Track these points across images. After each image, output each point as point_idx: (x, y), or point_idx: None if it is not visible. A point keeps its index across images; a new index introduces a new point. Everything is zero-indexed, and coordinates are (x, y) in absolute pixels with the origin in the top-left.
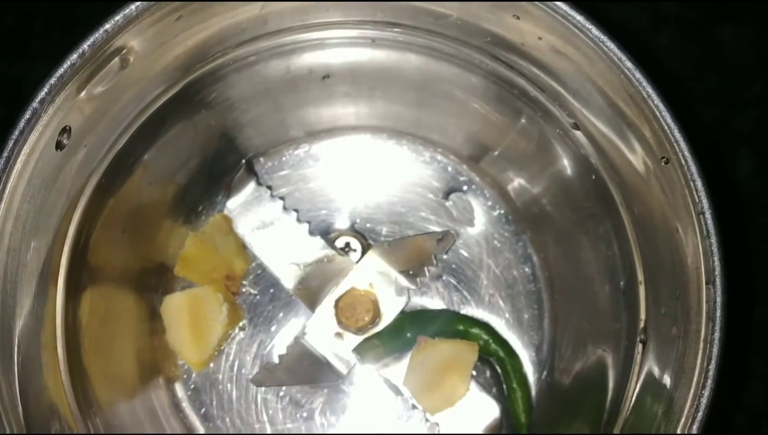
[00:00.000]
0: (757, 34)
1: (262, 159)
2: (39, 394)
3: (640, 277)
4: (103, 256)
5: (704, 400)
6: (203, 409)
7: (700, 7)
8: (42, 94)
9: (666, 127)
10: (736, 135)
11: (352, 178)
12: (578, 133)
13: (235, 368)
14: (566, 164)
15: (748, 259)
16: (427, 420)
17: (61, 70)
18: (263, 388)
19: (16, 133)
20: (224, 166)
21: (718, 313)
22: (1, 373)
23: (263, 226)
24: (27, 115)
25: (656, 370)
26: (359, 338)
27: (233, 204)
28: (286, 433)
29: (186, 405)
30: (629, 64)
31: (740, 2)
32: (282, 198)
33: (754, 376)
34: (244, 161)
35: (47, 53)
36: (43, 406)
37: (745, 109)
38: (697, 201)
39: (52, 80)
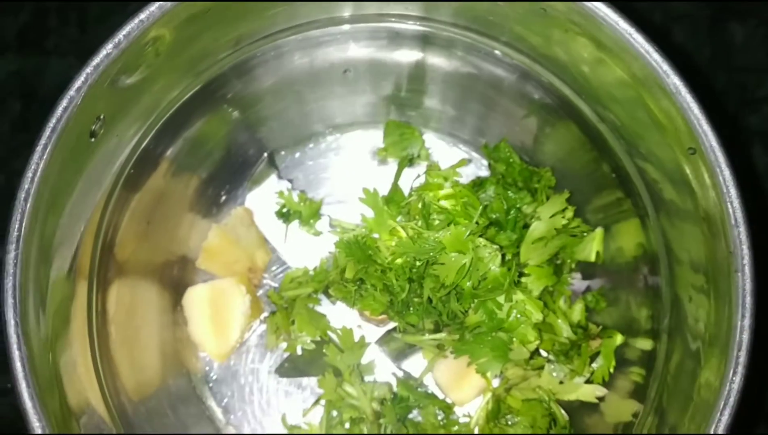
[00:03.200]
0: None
1: (283, 152)
2: (72, 383)
3: (666, 266)
4: (129, 248)
5: (735, 386)
6: (224, 401)
7: (712, 6)
8: (78, 82)
9: (693, 119)
10: (749, 133)
11: (372, 170)
12: (602, 127)
13: (256, 360)
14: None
15: None
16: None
17: (96, 60)
18: (284, 381)
19: (53, 120)
20: (246, 159)
21: (748, 299)
22: (36, 363)
23: (283, 218)
24: (64, 103)
25: (685, 360)
26: (380, 330)
27: (254, 197)
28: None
29: (208, 396)
30: (657, 56)
31: (751, 1)
32: (303, 191)
33: None
34: (266, 154)
35: (61, 50)
36: (76, 394)
37: (758, 108)
38: (725, 190)
39: (89, 69)
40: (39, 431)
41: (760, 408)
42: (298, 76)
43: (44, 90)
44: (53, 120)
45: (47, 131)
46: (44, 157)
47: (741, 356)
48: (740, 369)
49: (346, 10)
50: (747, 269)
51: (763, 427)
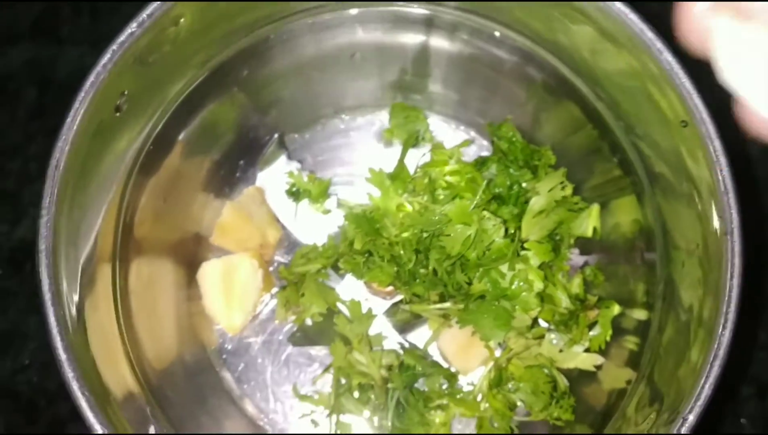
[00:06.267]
0: None
1: (293, 134)
2: (101, 347)
3: (660, 240)
4: (147, 225)
5: (724, 340)
6: (238, 371)
7: None
8: (104, 59)
9: (685, 93)
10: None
11: (378, 152)
12: (600, 105)
13: (268, 332)
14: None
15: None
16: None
17: (122, 38)
18: (295, 352)
19: (81, 94)
20: (257, 141)
21: (737, 260)
22: (67, 323)
23: (293, 197)
24: (91, 78)
25: (677, 331)
26: (387, 303)
27: (265, 177)
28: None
29: (222, 367)
30: (650, 35)
31: None
32: (312, 171)
33: (763, 347)
34: (276, 136)
35: (75, 38)
36: (105, 358)
37: None
38: (715, 159)
39: (114, 46)
40: (76, 387)
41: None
42: (307, 60)
43: (59, 78)
44: (81, 94)
45: (75, 104)
46: (74, 127)
47: (730, 313)
48: (729, 324)
49: None
50: (736, 232)
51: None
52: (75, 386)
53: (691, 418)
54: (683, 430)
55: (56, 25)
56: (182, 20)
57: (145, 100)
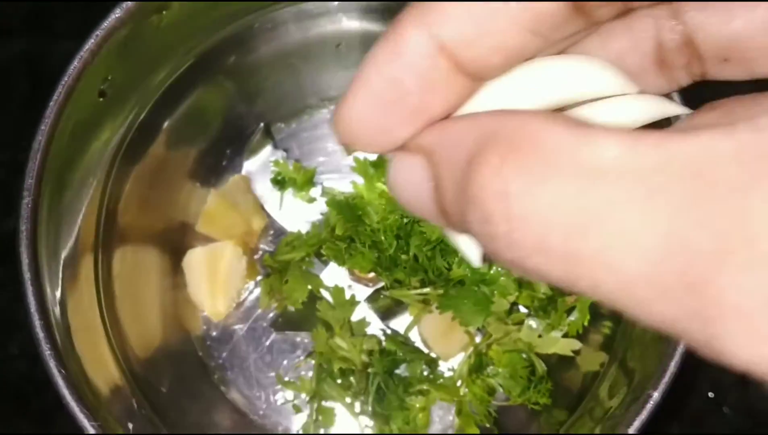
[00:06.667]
0: None
1: (279, 123)
2: (83, 332)
3: None
4: (131, 213)
5: None
6: (222, 358)
7: None
8: (89, 44)
9: None
10: None
11: None
12: None
13: (251, 319)
14: None
15: None
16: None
17: (106, 23)
18: (278, 339)
19: (66, 78)
20: (243, 130)
21: None
22: (47, 300)
23: (278, 186)
24: (75, 63)
25: None
26: (369, 290)
27: (251, 165)
28: None
29: (206, 354)
30: None
31: None
32: (297, 160)
33: None
34: (262, 125)
35: (68, 32)
36: (88, 344)
37: None
38: None
39: (99, 32)
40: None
41: None
42: (293, 50)
43: (51, 71)
44: (66, 78)
45: (60, 88)
46: (56, 109)
47: None
48: None
49: None
50: None
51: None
52: (52, 364)
53: (656, 395)
54: (648, 406)
55: (49, 19)
56: (166, 8)
57: (129, 87)
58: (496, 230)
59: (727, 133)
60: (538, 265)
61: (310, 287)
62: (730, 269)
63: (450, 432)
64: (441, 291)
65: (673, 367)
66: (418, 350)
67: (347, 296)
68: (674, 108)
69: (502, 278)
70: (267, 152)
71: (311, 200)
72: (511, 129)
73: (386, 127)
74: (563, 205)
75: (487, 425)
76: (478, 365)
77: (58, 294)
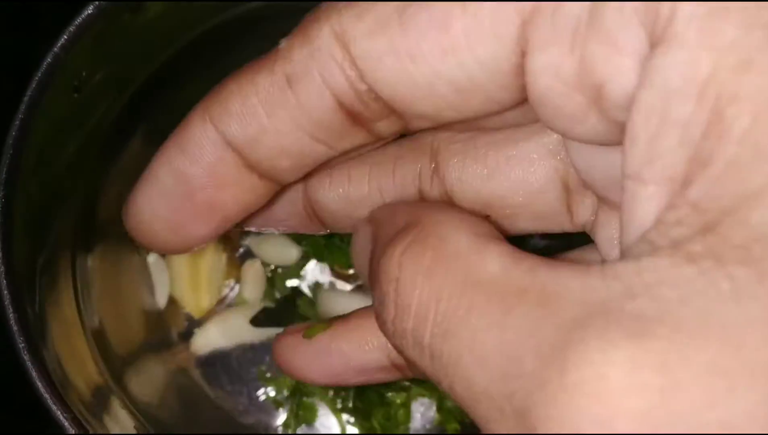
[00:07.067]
0: None
1: None
2: (64, 341)
3: None
4: (110, 210)
5: None
6: (204, 355)
7: None
8: (62, 40)
9: None
10: None
11: None
12: None
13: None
14: None
15: None
16: None
17: (79, 20)
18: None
19: (40, 74)
20: None
21: None
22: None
23: None
24: (49, 59)
25: None
26: (349, 285)
27: None
28: None
29: (186, 352)
30: None
31: None
32: None
33: None
34: None
35: (54, 31)
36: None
37: None
38: None
39: (72, 28)
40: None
41: None
42: (270, 46)
43: (37, 69)
44: (39, 74)
45: (33, 84)
46: (31, 111)
47: None
48: None
49: None
50: None
51: None
52: (26, 358)
53: None
54: None
55: (34, 17)
56: (142, 7)
57: (106, 83)
58: (387, 313)
59: (582, 272)
60: (414, 358)
61: (290, 283)
62: (544, 397)
63: (431, 428)
64: None
65: None
66: None
67: (328, 292)
68: None
69: None
70: None
71: None
72: (428, 223)
73: (178, 224)
74: (437, 305)
75: (467, 420)
76: None
77: (35, 290)
